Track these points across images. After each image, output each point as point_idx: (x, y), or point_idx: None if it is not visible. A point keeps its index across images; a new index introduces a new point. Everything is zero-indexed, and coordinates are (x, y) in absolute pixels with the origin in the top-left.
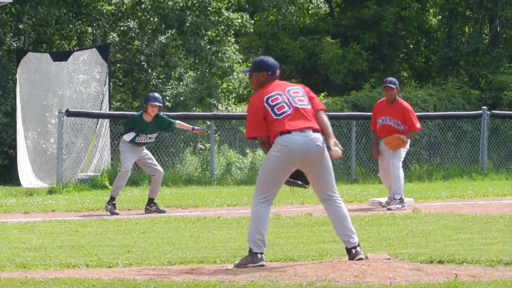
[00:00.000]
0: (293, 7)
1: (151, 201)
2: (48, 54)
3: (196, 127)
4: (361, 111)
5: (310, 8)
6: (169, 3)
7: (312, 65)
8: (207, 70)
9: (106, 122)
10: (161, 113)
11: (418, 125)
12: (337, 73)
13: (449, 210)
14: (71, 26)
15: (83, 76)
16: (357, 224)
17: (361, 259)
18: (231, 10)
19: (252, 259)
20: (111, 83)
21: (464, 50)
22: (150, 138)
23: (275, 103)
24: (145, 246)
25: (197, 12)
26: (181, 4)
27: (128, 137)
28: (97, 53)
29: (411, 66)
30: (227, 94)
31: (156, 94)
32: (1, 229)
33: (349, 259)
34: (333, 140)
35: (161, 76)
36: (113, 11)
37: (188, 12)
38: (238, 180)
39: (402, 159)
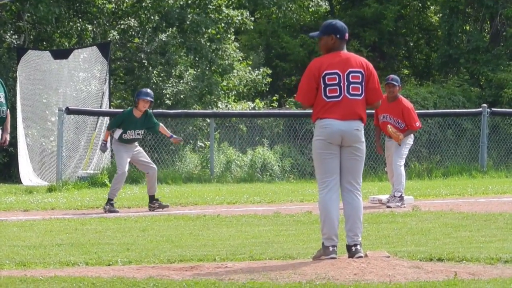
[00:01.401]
0: (293, 4)
1: (152, 198)
2: (48, 52)
3: (174, 136)
4: None
5: (310, 6)
6: (169, 1)
7: None
8: (207, 68)
9: (106, 120)
10: (150, 110)
11: (417, 124)
12: None
13: (448, 208)
14: (71, 24)
15: (83, 74)
16: None
17: (361, 257)
18: (231, 7)
19: (324, 252)
20: (111, 81)
21: (465, 48)
22: (138, 134)
23: (330, 83)
24: (144, 244)
25: (197, 9)
26: (181, 2)
27: (116, 134)
28: (97, 51)
29: (412, 63)
30: (227, 91)
31: (148, 90)
32: (0, 227)
33: (349, 256)
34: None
35: (162, 74)
36: (114, 9)
37: (188, 10)
38: (238, 178)
39: (404, 157)
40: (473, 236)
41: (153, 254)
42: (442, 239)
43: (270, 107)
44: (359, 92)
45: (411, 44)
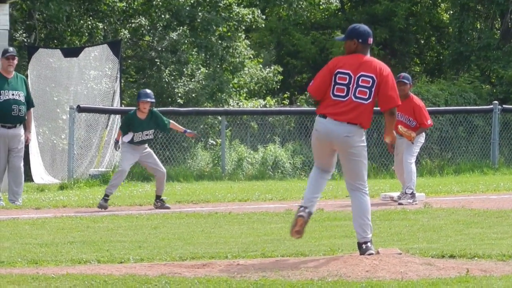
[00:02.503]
0: (304, 2)
1: (157, 198)
2: (59, 50)
3: (188, 130)
4: None
5: (321, 3)
6: None
7: (323, 60)
8: (218, 66)
9: (117, 118)
10: (154, 109)
11: (429, 122)
12: None
13: (460, 205)
14: (82, 22)
15: (94, 72)
16: None
17: (372, 254)
18: (242, 5)
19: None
20: (122, 79)
21: (475, 45)
22: (147, 135)
23: (340, 82)
24: (156, 241)
25: (208, 8)
26: (192, 1)
27: (126, 138)
28: (108, 49)
29: (423, 61)
30: (238, 89)
31: (148, 91)
32: (12, 225)
33: (360, 254)
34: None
35: (174, 73)
36: (124, 7)
37: (199, 8)
38: (250, 176)
39: (415, 155)
40: (485, 233)
41: (165, 252)
42: (454, 236)
43: (281, 105)
44: (366, 97)
45: (422, 42)
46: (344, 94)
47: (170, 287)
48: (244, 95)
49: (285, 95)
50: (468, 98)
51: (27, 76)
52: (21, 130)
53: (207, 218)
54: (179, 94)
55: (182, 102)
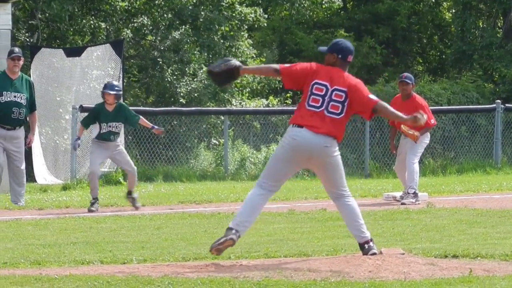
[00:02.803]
0: (307, 1)
1: (129, 193)
2: (61, 50)
3: (156, 127)
4: None
5: (323, 2)
6: None
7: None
8: None
9: None
10: (121, 102)
11: (432, 121)
12: (351, 67)
13: (463, 205)
14: (84, 21)
15: (97, 72)
16: (371, 218)
17: (375, 253)
18: (244, 4)
19: (226, 233)
20: (125, 79)
21: (478, 44)
22: (112, 127)
23: (316, 92)
24: (159, 242)
25: (211, 7)
26: (194, 0)
27: (95, 133)
28: (110, 48)
29: (425, 60)
30: (240, 89)
31: (114, 82)
32: (15, 225)
33: (363, 254)
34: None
35: (176, 73)
36: (127, 7)
37: (202, 8)
38: (252, 175)
39: (419, 155)
40: (488, 233)
41: (168, 252)
42: (456, 236)
43: (284, 104)
44: (338, 111)
45: (425, 41)
46: (318, 105)
47: None
48: (247, 94)
49: (288, 95)
50: (470, 97)
51: (29, 76)
52: (20, 132)
53: (210, 218)
54: (182, 94)
55: (184, 102)
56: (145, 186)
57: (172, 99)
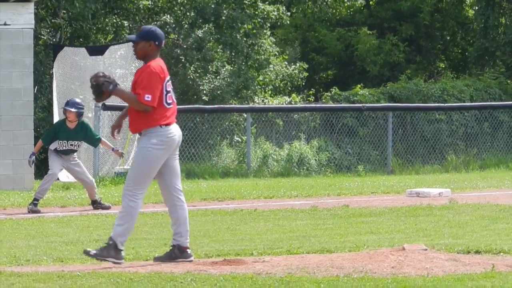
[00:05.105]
0: None
1: (93, 203)
2: (84, 48)
3: (115, 148)
4: (398, 102)
5: (346, 0)
6: None
7: (348, 57)
8: (243, 63)
9: None
10: (83, 120)
11: None
12: (374, 64)
13: (486, 200)
14: (107, 20)
15: (121, 71)
16: (394, 215)
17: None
18: (267, 2)
19: (116, 255)
20: None
21: (501, 40)
22: (71, 145)
23: (169, 89)
24: None
25: (233, 5)
26: None
27: (52, 145)
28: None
29: (448, 57)
30: (263, 86)
31: (77, 100)
32: (38, 223)
33: (180, 257)
34: None
35: (199, 71)
36: (149, 5)
37: (224, 6)
38: (275, 173)
39: None
40: (511, 228)
41: (191, 249)
42: (479, 232)
43: (307, 102)
44: (175, 99)
45: (448, 38)
46: (171, 101)
47: (196, 284)
48: (269, 92)
49: (310, 92)
50: (493, 94)
51: (52, 75)
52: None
53: (232, 215)
54: (204, 92)
55: (207, 100)
56: None
57: (195, 97)
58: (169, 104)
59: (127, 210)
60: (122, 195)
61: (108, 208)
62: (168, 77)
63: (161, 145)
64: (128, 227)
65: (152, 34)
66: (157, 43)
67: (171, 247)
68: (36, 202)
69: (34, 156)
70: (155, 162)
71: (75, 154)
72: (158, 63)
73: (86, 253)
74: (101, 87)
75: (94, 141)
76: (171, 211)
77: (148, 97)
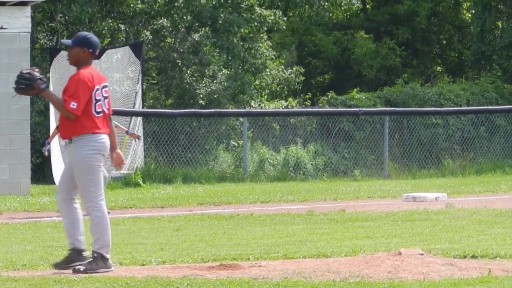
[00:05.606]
0: (326, 3)
1: None
2: None
3: (130, 131)
4: (394, 106)
5: (342, 4)
6: (201, 1)
7: (345, 61)
8: (240, 67)
9: (139, 120)
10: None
11: None
12: (370, 68)
13: (482, 205)
14: (104, 24)
15: (117, 75)
16: (390, 219)
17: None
18: (263, 7)
19: (105, 264)
20: (144, 81)
21: (497, 44)
22: None
23: (98, 98)
24: (178, 243)
25: (230, 9)
26: (213, 2)
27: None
28: (130, 51)
29: (444, 61)
30: (260, 90)
31: None
32: (34, 227)
33: (75, 260)
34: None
35: (195, 74)
36: (146, 9)
37: (221, 10)
38: (271, 177)
39: None
40: (507, 233)
41: (187, 254)
42: (475, 236)
43: (303, 106)
44: (108, 106)
45: (444, 42)
46: (102, 109)
47: None
48: (266, 96)
49: (307, 96)
50: (489, 98)
51: (49, 79)
52: None
53: (229, 219)
54: (201, 96)
55: (204, 104)
56: (164, 188)
57: (192, 101)
58: (98, 113)
59: (96, 221)
60: (85, 210)
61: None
62: (99, 86)
63: (94, 151)
64: (105, 236)
65: (87, 41)
66: (91, 50)
67: (69, 251)
68: None
69: (49, 145)
70: (96, 167)
71: None
72: (89, 71)
73: (76, 271)
74: (34, 82)
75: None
76: (66, 215)
77: (73, 105)
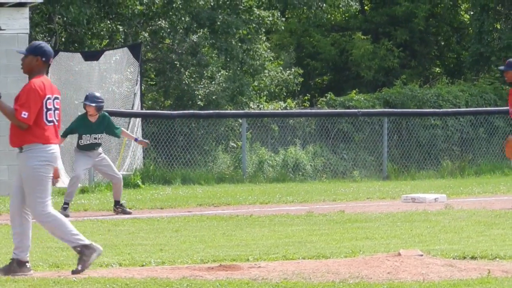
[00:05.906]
0: (324, 4)
1: (116, 203)
2: (79, 53)
3: (138, 139)
4: (393, 107)
5: (340, 5)
6: (200, 2)
7: (343, 62)
8: (238, 68)
9: (138, 121)
10: (106, 114)
11: None
12: (368, 70)
13: (481, 206)
14: (102, 25)
15: (116, 76)
16: (389, 220)
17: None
18: (262, 8)
19: (94, 251)
20: (142, 83)
21: (496, 45)
22: (95, 138)
23: (49, 107)
24: (178, 244)
25: (228, 10)
26: (212, 3)
27: (78, 142)
28: (128, 52)
29: (443, 62)
30: (258, 92)
31: (97, 94)
32: (34, 228)
33: (19, 271)
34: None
35: (194, 76)
36: (144, 10)
37: (219, 11)
38: (270, 178)
39: None
40: (506, 234)
41: (187, 255)
42: (475, 237)
43: (302, 107)
44: (58, 118)
45: (442, 43)
46: (52, 118)
47: None
48: (265, 97)
49: (306, 97)
50: (488, 99)
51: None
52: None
53: (228, 220)
54: (200, 97)
55: (202, 105)
56: (164, 189)
57: (190, 102)
58: (49, 121)
59: (51, 225)
60: (34, 218)
61: (129, 213)
62: (51, 95)
63: (44, 162)
64: (67, 232)
65: (41, 50)
66: (44, 59)
67: (10, 260)
68: (66, 206)
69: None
70: (45, 178)
71: (100, 148)
72: (41, 80)
73: (76, 272)
74: None
75: (115, 132)
76: (17, 224)
77: (24, 114)
